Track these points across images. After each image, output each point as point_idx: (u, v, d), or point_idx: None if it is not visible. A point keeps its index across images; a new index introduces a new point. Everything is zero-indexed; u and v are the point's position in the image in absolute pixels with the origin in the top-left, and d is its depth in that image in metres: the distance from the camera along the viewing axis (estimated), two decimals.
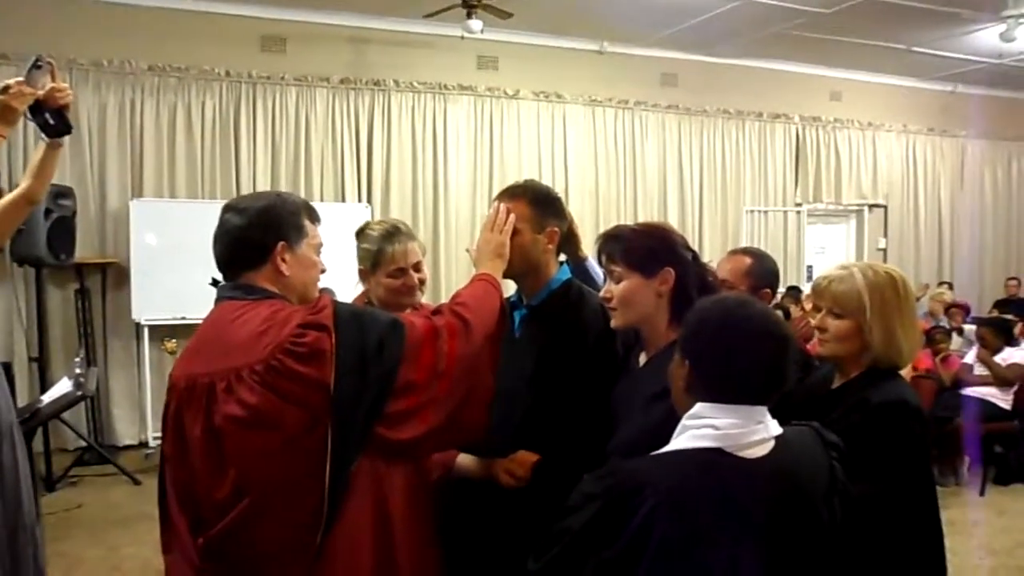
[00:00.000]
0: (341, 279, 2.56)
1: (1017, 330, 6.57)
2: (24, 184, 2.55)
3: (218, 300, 1.70)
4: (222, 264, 1.71)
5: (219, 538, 1.56)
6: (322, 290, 1.81)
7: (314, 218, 1.77)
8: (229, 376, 1.55)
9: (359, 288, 2.37)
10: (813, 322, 2.00)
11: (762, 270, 2.61)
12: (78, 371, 4.09)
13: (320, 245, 1.78)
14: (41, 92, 2.35)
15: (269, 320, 1.58)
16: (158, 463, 1.76)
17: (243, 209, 1.70)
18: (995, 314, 8.03)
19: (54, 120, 2.41)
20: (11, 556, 2.52)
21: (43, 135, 2.43)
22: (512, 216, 1.95)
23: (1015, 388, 5.86)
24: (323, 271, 1.79)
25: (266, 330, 1.57)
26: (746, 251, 2.75)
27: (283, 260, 1.68)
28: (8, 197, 2.60)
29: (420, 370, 1.63)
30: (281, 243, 1.68)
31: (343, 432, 1.54)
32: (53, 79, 2.39)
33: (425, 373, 1.64)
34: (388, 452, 1.63)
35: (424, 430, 1.64)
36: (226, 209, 1.72)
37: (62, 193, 5.83)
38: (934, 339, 6.39)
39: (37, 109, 2.37)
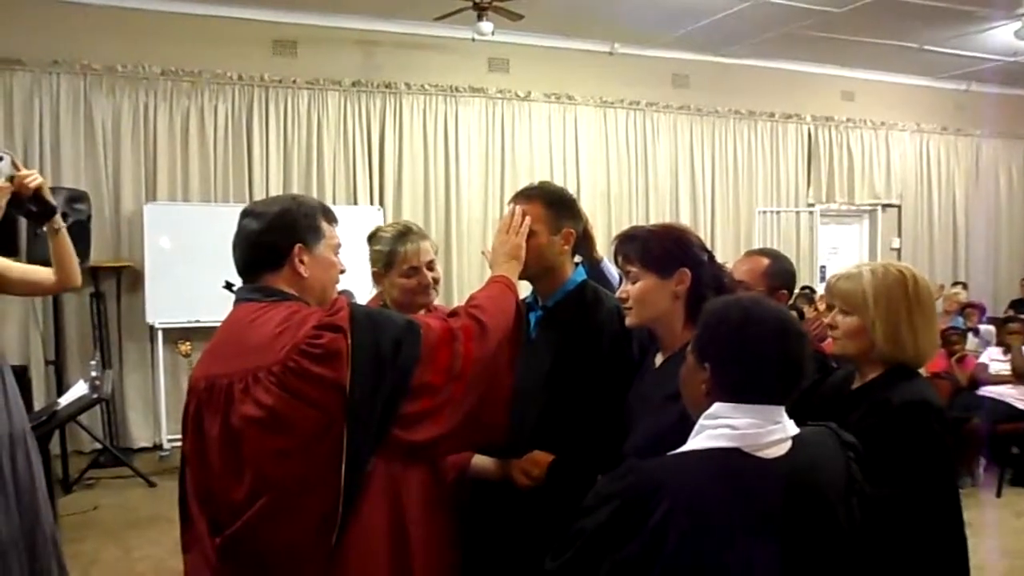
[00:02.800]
0: (355, 281, 2.57)
1: None
2: (55, 276, 2.57)
3: (237, 302, 1.72)
4: (242, 268, 1.73)
5: (235, 538, 1.57)
6: (340, 292, 1.81)
7: (331, 219, 1.78)
8: (246, 377, 1.56)
9: (373, 291, 2.38)
10: (826, 320, 2.01)
11: (779, 271, 2.60)
12: (94, 374, 4.12)
13: (338, 245, 1.79)
14: (12, 184, 2.31)
15: (285, 321, 1.59)
16: (173, 465, 1.77)
17: (260, 214, 1.71)
18: (1011, 314, 7.96)
19: (36, 207, 2.38)
20: (30, 559, 2.53)
21: (34, 226, 2.40)
22: (528, 218, 1.95)
23: None
24: (342, 271, 1.80)
25: (282, 331, 1.58)
26: (763, 252, 2.73)
27: (301, 262, 1.69)
28: (41, 274, 2.61)
29: (436, 372, 1.64)
30: (298, 245, 1.69)
31: (358, 433, 1.55)
32: (16, 168, 2.35)
33: (441, 375, 1.64)
34: (404, 453, 1.64)
35: (439, 432, 1.64)
36: (244, 215, 1.74)
37: (77, 197, 5.86)
38: (949, 340, 6.34)
39: (16, 201, 2.34)
